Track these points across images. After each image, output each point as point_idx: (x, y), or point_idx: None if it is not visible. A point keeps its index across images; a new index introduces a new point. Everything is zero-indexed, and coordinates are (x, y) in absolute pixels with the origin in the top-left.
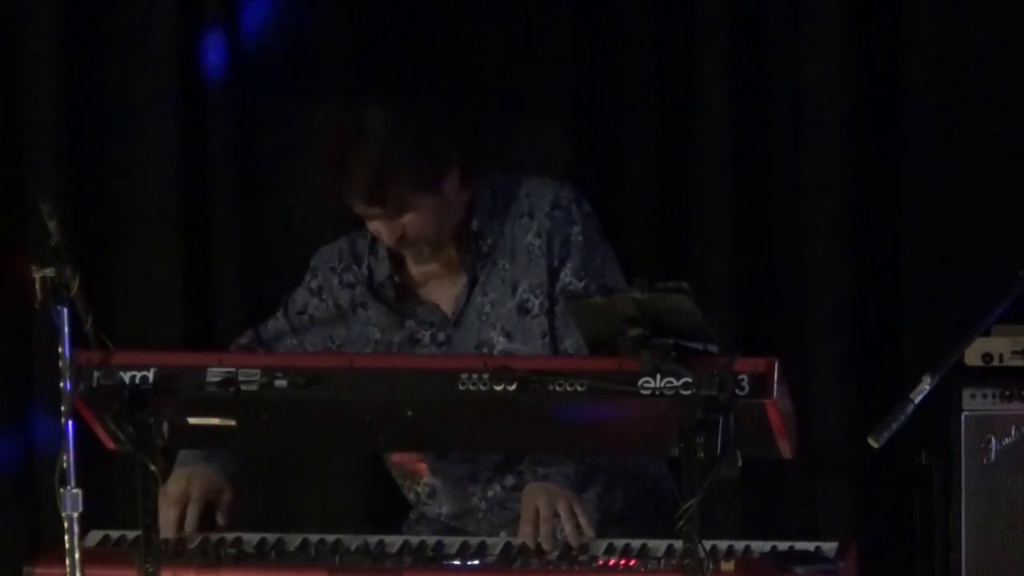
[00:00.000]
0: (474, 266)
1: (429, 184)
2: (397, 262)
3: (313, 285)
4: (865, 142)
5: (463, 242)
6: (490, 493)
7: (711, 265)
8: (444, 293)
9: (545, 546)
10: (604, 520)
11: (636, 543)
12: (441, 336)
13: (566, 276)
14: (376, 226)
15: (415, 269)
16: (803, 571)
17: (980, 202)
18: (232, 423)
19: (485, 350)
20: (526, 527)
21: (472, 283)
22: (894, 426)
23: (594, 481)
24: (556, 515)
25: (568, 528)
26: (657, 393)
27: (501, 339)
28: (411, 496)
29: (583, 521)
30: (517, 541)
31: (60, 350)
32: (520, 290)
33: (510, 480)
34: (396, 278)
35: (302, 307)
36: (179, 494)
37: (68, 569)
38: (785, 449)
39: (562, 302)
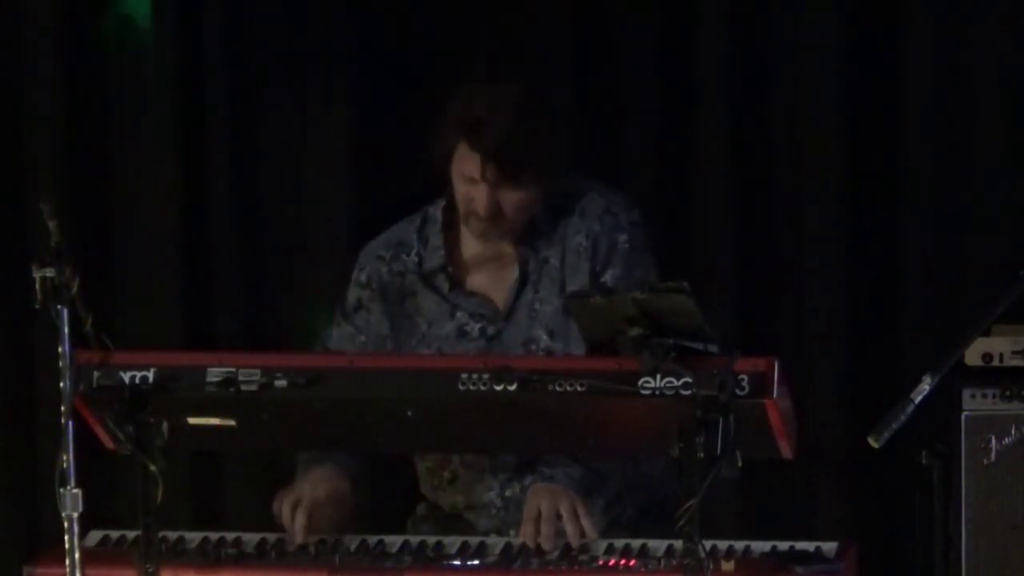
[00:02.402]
0: (527, 261)
1: (544, 166)
2: (449, 251)
3: (362, 278)
4: (864, 142)
5: (521, 236)
6: (508, 492)
7: (711, 265)
8: (495, 286)
9: (545, 546)
10: (613, 528)
11: (636, 543)
12: (491, 330)
13: (607, 283)
14: (475, 192)
15: (468, 256)
16: (803, 571)
17: (980, 202)
18: (232, 423)
19: (533, 347)
20: (528, 526)
21: (524, 279)
22: (894, 426)
23: (601, 489)
24: (559, 515)
25: (570, 528)
26: (657, 393)
27: (545, 336)
28: (433, 482)
29: (585, 523)
30: (518, 540)
31: (60, 350)
32: (567, 290)
33: (529, 480)
34: (449, 268)
35: (356, 303)
36: (306, 499)
37: (68, 569)
38: (785, 449)
39: (563, 301)
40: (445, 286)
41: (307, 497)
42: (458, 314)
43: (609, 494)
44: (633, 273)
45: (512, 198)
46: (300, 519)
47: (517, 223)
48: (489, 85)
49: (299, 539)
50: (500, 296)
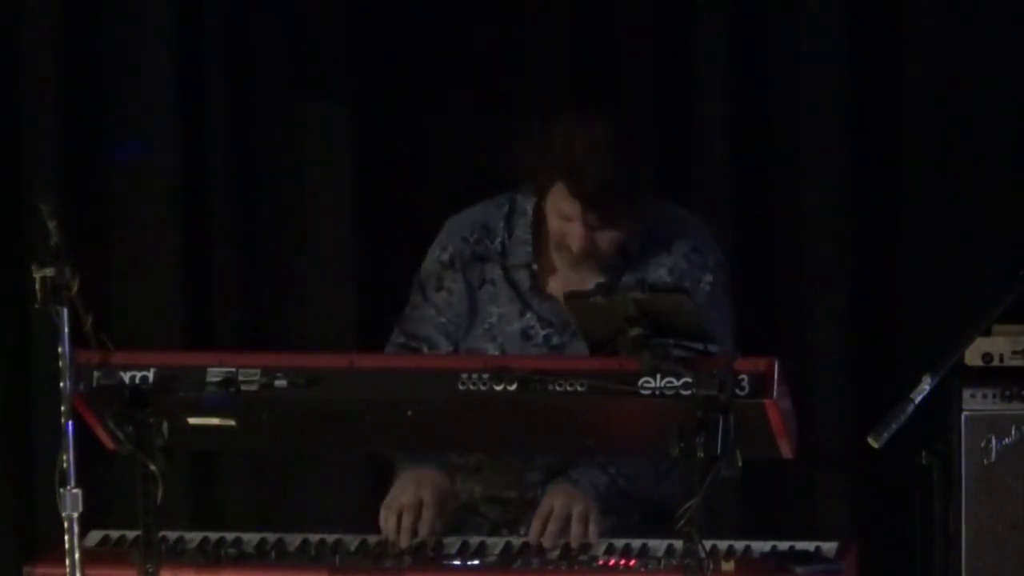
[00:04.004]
0: (609, 281)
1: (640, 206)
2: (537, 249)
3: (444, 257)
4: (865, 142)
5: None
6: (529, 494)
7: None
8: None
9: (546, 543)
10: (616, 530)
11: (636, 543)
12: (556, 339)
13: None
14: (570, 229)
15: (558, 262)
16: (803, 571)
17: (980, 202)
18: (232, 423)
19: None
20: (537, 522)
21: None
22: (894, 426)
23: (620, 507)
24: (568, 517)
25: (576, 529)
26: (657, 393)
27: None
28: (459, 462)
29: (592, 528)
30: (518, 541)
31: (60, 350)
32: None
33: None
34: (534, 266)
35: (438, 283)
36: (414, 500)
37: (68, 569)
38: (785, 449)
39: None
40: (526, 283)
41: (413, 501)
42: (527, 315)
43: (625, 513)
44: (710, 314)
45: (607, 237)
46: (407, 521)
47: (609, 257)
48: (586, 123)
49: (404, 542)
50: None
